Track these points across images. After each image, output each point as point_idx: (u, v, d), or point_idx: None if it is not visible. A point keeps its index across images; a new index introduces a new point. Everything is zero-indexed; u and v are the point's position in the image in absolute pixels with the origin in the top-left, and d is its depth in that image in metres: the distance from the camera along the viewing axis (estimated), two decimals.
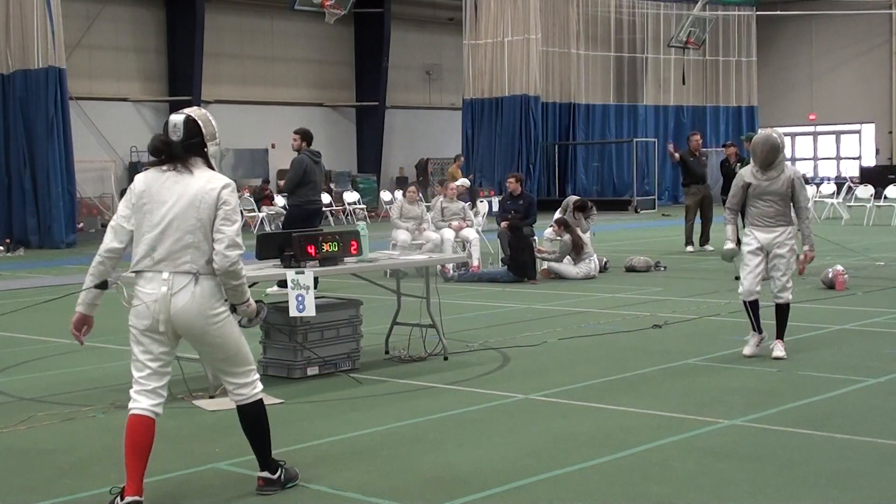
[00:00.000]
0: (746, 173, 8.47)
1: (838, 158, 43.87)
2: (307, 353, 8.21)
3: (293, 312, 7.73)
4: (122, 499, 5.07)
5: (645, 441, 6.16)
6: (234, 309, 5.27)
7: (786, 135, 37.75)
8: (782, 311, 8.55)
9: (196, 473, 5.78)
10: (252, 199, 27.58)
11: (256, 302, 5.38)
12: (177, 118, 5.23)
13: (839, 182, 33.21)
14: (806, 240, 8.57)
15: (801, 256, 8.72)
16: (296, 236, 8.16)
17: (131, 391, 5.23)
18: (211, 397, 7.56)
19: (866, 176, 36.34)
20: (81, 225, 27.56)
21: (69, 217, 23.82)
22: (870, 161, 41.78)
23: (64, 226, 23.43)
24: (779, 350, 8.51)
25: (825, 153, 44.37)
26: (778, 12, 40.99)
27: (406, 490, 5.40)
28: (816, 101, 42.94)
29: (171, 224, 5.10)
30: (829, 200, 27.68)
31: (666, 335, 9.97)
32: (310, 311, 7.75)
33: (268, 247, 8.35)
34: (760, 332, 8.54)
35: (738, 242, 8.78)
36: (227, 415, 7.10)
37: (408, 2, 38.26)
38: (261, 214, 26.75)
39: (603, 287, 13.83)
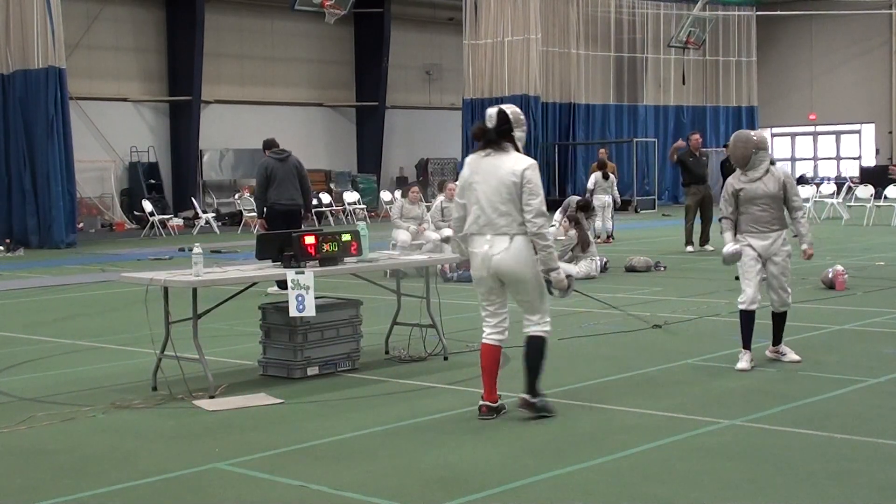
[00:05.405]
0: (733, 180, 8.32)
1: (838, 158, 43.87)
2: (307, 353, 8.21)
3: (293, 312, 7.74)
4: (483, 400, 6.77)
5: (645, 441, 6.16)
6: (549, 284, 6.72)
7: (786, 135, 37.40)
8: (783, 318, 8.49)
9: (196, 473, 5.78)
10: (252, 199, 27.56)
11: (566, 277, 6.77)
12: (492, 111, 6.70)
13: (839, 182, 33.22)
14: (804, 238, 8.39)
15: (801, 255, 8.60)
16: (296, 236, 8.16)
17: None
18: (211, 397, 7.55)
19: (866, 176, 36.33)
20: (81, 225, 27.57)
21: (69, 217, 23.80)
22: (870, 161, 41.78)
23: (64, 226, 23.41)
24: (792, 354, 8.47)
25: (825, 153, 44.37)
26: (778, 12, 40.99)
27: (406, 490, 5.40)
28: (816, 101, 42.93)
29: (490, 198, 6.58)
30: (829, 200, 27.70)
31: (666, 335, 9.97)
32: (310, 311, 7.75)
33: (267, 247, 8.35)
34: (751, 349, 8.31)
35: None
36: (227, 415, 7.11)
37: (408, 2, 38.26)
38: None
39: (603, 287, 13.83)
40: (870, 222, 24.08)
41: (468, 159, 6.82)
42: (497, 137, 6.64)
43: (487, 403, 6.77)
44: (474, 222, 6.66)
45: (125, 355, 9.66)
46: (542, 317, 6.75)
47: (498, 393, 6.86)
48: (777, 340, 8.57)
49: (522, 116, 6.76)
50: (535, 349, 6.76)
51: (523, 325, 6.78)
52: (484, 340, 6.84)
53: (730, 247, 8.33)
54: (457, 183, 7.04)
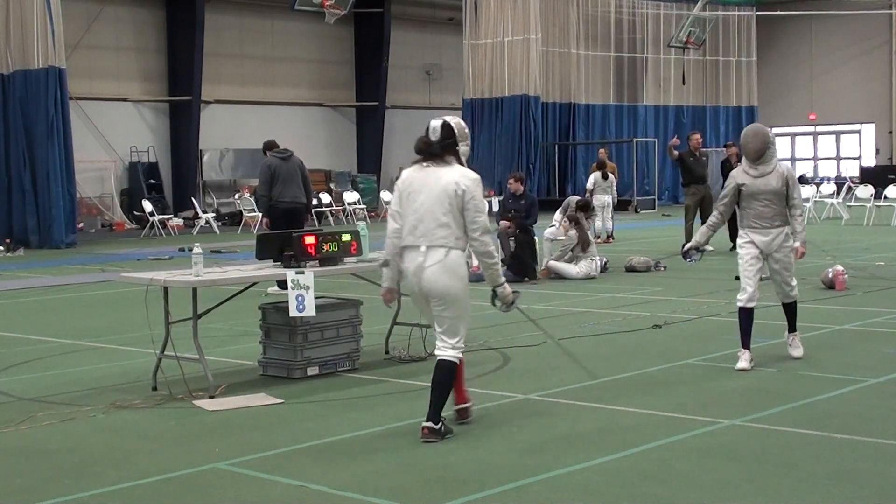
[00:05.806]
0: (738, 173, 8.36)
1: (838, 158, 43.89)
2: (307, 353, 8.20)
3: (293, 312, 7.74)
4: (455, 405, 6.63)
5: (645, 441, 6.16)
6: (494, 296, 6.56)
7: (786, 135, 37.33)
8: (791, 307, 8.55)
9: (196, 473, 5.78)
10: (252, 199, 27.57)
11: (513, 292, 6.57)
12: (435, 123, 6.42)
13: (839, 182, 33.22)
14: (797, 236, 8.35)
15: (794, 253, 8.57)
16: (296, 236, 8.16)
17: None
18: (211, 397, 7.55)
19: (866, 176, 36.35)
20: (81, 225, 27.57)
21: (69, 217, 23.80)
22: (870, 161, 41.80)
23: (64, 226, 23.41)
24: (797, 349, 8.52)
25: (825, 153, 44.38)
26: (778, 12, 41.00)
27: (406, 490, 5.40)
28: (816, 101, 42.95)
29: (431, 208, 6.27)
30: (829, 200, 27.69)
31: (666, 335, 9.97)
32: (310, 311, 7.75)
33: (268, 247, 8.35)
34: (750, 348, 8.32)
35: (700, 249, 8.73)
36: (227, 415, 7.11)
37: (408, 2, 38.27)
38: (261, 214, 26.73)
39: (603, 287, 13.83)
40: (870, 222, 24.08)
41: (406, 171, 6.51)
42: (441, 152, 6.36)
43: (461, 406, 6.68)
44: (410, 233, 6.33)
45: (125, 355, 9.65)
46: (460, 341, 6.39)
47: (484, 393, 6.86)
48: (791, 328, 8.62)
49: (467, 130, 6.53)
50: (447, 374, 6.36)
51: (436, 347, 6.42)
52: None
53: (687, 246, 8.77)
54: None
